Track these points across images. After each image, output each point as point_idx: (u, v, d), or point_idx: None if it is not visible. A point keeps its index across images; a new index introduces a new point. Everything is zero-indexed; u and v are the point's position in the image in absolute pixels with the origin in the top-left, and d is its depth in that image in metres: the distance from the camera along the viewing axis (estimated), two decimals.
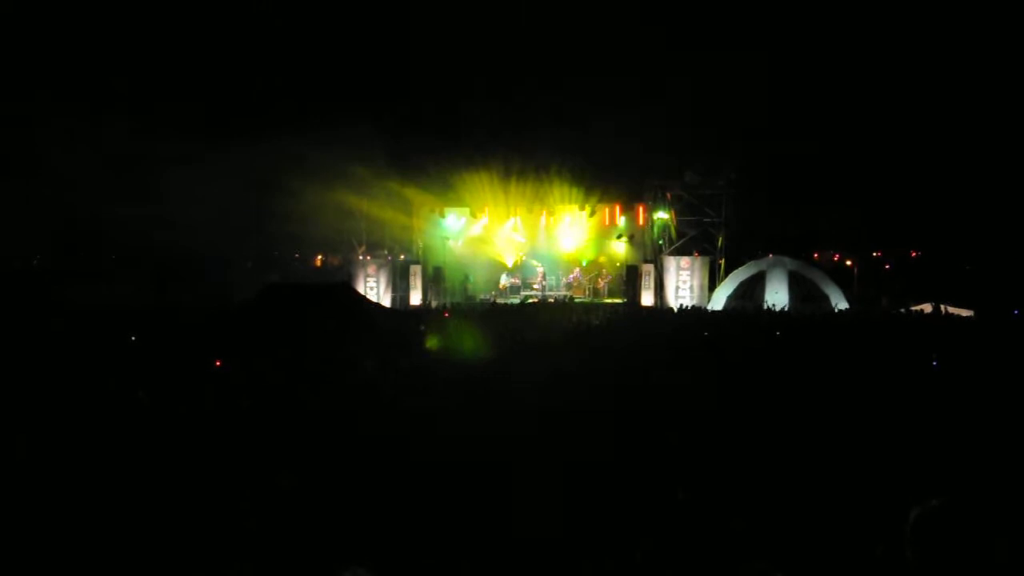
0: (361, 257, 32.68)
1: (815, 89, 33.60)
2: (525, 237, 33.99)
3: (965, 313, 25.91)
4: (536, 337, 18.62)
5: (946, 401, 10.13)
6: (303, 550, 5.59)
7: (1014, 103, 32.45)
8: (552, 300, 31.61)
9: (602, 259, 34.46)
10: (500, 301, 31.36)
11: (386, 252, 33.24)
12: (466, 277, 33.89)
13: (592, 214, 32.86)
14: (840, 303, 28.38)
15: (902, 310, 27.59)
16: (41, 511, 6.33)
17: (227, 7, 37.83)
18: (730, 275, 30.00)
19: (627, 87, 33.14)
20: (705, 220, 30.95)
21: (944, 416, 9.10)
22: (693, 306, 29.14)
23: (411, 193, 32.53)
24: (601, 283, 33.97)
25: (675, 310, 28.50)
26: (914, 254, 31.19)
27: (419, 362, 15.29)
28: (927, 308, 27.51)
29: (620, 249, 33.19)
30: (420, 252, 33.69)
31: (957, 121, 32.50)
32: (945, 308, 26.74)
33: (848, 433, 8.30)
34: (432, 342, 18.03)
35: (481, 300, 32.19)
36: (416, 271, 32.61)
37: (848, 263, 31.30)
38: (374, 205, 32.51)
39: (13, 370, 13.51)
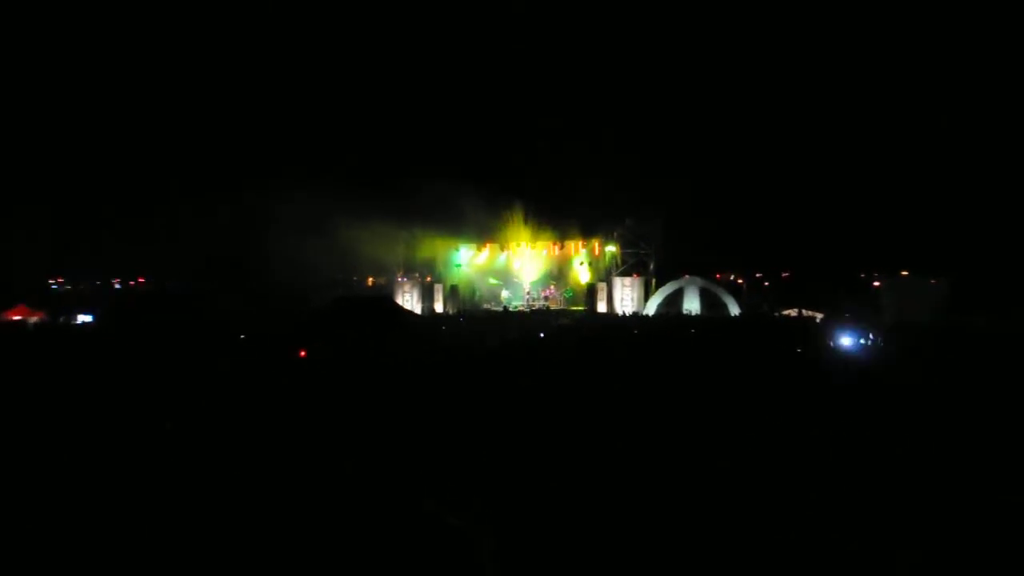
0: (400, 279, 34.22)
1: (718, 165, 36.19)
2: (515, 263, 35.61)
3: (817, 315, 27.87)
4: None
5: (805, 372, 11.65)
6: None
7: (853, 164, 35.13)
8: (535, 308, 33.73)
9: (569, 279, 36.01)
10: (494, 308, 33.21)
11: (417, 275, 34.67)
12: (474, 292, 35.83)
13: (561, 247, 35.03)
14: (734, 309, 30.74)
15: (776, 313, 29.46)
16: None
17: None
18: (659, 290, 31.93)
19: (588, 157, 35.39)
20: (641, 251, 33.14)
21: (805, 378, 10.56)
22: (633, 312, 31.19)
23: (434, 233, 33.96)
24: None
25: (619, 315, 30.74)
26: (785, 275, 32.86)
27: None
28: (793, 312, 29.37)
29: (582, 272, 34.99)
30: (441, 275, 35.00)
31: (814, 182, 35.32)
32: (803, 312, 28.60)
33: (740, 391, 9.16)
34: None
35: (484, 309, 34.09)
36: (439, 288, 34.22)
37: (739, 280, 32.80)
38: (408, 242, 34.16)
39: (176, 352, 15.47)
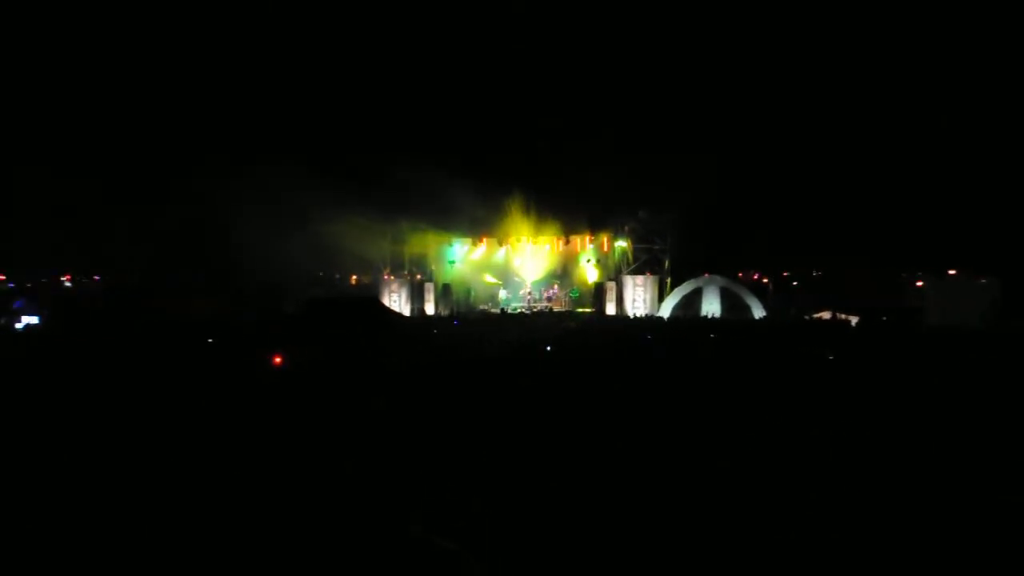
0: (386, 277, 32.52)
1: (741, 152, 34.78)
2: (515, 260, 34.26)
3: (852, 318, 26.71)
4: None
5: (840, 385, 10.80)
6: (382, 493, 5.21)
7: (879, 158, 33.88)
8: (536, 309, 32.23)
9: (574, 277, 34.58)
10: (491, 310, 32.07)
11: (406, 272, 32.98)
12: (469, 292, 34.02)
13: (567, 242, 33.50)
14: (758, 311, 29.06)
15: (806, 316, 28.32)
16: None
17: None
18: (675, 290, 30.40)
19: (592, 144, 33.95)
20: (655, 247, 31.51)
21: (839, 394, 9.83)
22: (646, 314, 29.92)
23: (424, 226, 32.53)
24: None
25: (630, 317, 29.45)
26: (816, 273, 31.76)
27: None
28: (826, 315, 28.20)
29: (589, 270, 33.53)
30: (432, 272, 33.46)
31: (844, 172, 33.97)
32: (837, 315, 27.44)
33: (759, 406, 8.81)
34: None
35: (480, 310, 32.71)
36: (429, 288, 32.52)
37: (764, 280, 31.68)
38: (396, 236, 32.54)
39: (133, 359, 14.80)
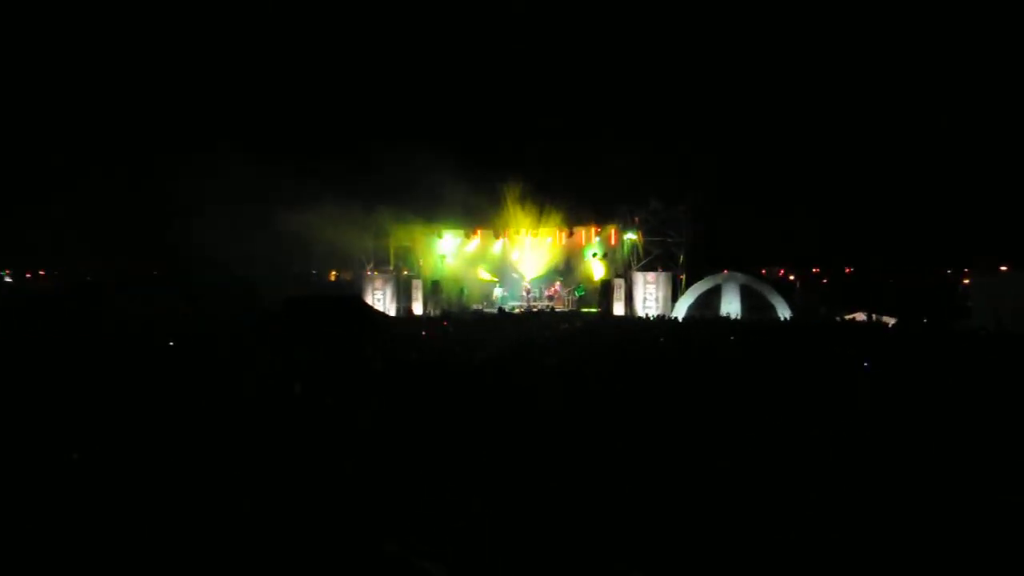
0: (369, 273, 30.99)
1: (763, 136, 33.24)
2: (513, 254, 32.87)
3: (890, 320, 25.46)
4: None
5: (877, 394, 9.97)
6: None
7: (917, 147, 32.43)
8: (537, 309, 30.97)
9: (579, 274, 33.19)
10: (487, 310, 30.84)
11: (391, 268, 31.42)
12: (461, 290, 32.37)
13: (570, 235, 31.91)
14: (784, 312, 27.24)
15: (837, 318, 27.00)
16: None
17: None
18: (690, 288, 28.77)
19: (600, 125, 32.36)
20: (668, 240, 29.72)
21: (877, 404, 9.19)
22: (659, 315, 28.52)
23: (411, 216, 31.14)
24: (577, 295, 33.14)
25: (641, 317, 27.99)
26: (848, 270, 30.34)
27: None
28: (860, 316, 26.91)
29: (595, 265, 31.96)
30: (420, 268, 31.92)
31: (881, 161, 32.46)
32: (873, 316, 26.18)
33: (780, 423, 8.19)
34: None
35: (473, 310, 31.38)
36: (417, 285, 30.97)
37: (791, 277, 30.33)
38: (380, 227, 31.09)
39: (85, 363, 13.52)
